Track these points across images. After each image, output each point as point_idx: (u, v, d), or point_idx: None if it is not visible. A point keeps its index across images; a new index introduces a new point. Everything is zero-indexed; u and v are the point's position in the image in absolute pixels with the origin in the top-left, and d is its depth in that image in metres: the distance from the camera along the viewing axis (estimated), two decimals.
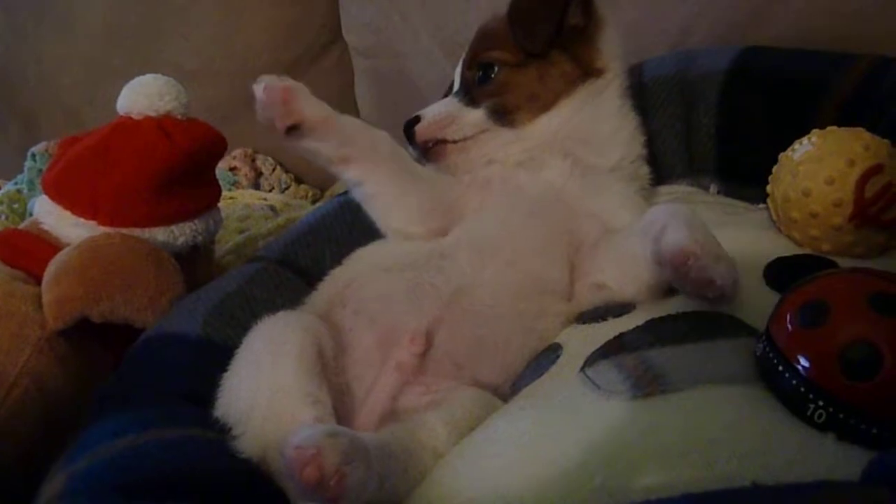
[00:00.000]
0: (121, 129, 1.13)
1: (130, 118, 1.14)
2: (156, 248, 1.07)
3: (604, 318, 0.86)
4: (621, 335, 0.76)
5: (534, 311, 0.93)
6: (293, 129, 0.94)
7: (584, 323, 0.88)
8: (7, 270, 1.06)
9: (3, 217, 1.81)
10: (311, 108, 0.94)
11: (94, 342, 1.06)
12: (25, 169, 1.87)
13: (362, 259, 1.02)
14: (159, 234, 1.12)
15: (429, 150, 1.09)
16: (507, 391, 0.87)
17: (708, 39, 1.32)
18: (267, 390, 0.81)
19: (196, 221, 1.17)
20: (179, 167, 1.12)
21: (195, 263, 1.19)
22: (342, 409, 0.85)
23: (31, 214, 1.19)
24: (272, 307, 0.97)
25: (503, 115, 1.08)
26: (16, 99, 2.07)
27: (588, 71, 1.08)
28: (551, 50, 1.06)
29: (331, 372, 0.86)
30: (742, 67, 1.13)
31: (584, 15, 1.07)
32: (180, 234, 1.14)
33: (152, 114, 1.14)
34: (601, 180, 1.04)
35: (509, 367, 0.90)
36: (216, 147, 1.20)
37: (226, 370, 0.87)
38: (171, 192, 1.12)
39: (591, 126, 1.07)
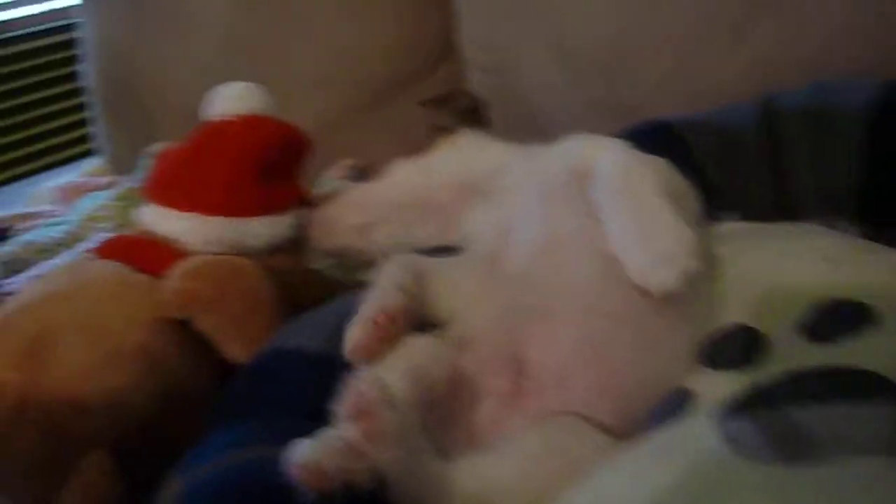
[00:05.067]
0: (210, 128, 1.17)
1: (220, 120, 1.18)
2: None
3: (737, 365, 0.77)
4: (760, 387, 0.67)
5: (627, 305, 0.83)
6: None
7: (715, 368, 0.79)
8: (117, 265, 1.08)
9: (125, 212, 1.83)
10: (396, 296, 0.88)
11: None
12: (141, 167, 1.84)
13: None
14: (256, 224, 1.14)
15: None
16: (625, 432, 0.79)
17: (843, 73, 1.22)
18: None
19: (291, 214, 1.18)
20: (273, 155, 1.15)
21: (292, 259, 1.20)
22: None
23: None
24: None
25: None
26: (135, 99, 2.08)
27: None
28: None
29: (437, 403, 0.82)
30: (888, 102, 1.03)
31: None
32: (277, 226, 1.16)
33: (241, 113, 1.18)
34: None
35: (623, 384, 0.82)
36: (303, 141, 1.22)
37: None
38: (268, 182, 1.14)
39: None
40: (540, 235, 0.93)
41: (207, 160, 1.14)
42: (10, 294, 1.56)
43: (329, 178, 1.76)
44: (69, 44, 2.34)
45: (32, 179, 2.67)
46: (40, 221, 2.02)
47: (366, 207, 1.16)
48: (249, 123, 1.16)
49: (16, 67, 2.80)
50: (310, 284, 1.19)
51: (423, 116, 1.79)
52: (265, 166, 1.14)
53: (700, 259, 0.79)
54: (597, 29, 1.47)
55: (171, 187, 1.15)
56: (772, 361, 0.74)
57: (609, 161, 0.90)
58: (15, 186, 2.72)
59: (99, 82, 2.13)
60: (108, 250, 1.10)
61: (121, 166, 2.13)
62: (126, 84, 2.08)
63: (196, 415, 1.02)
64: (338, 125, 1.79)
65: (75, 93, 2.38)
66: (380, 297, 0.87)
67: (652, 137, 1.16)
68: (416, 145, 1.20)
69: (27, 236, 1.85)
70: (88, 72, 2.14)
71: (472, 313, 0.92)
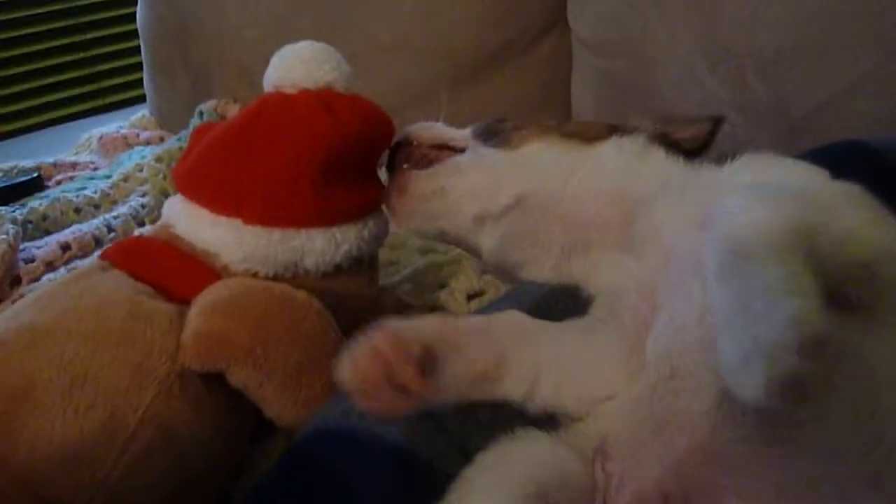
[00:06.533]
0: (272, 105, 0.85)
1: (282, 92, 0.86)
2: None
3: None
4: None
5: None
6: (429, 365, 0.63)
7: None
8: (131, 284, 0.77)
9: (161, 176, 1.59)
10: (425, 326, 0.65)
11: None
12: (191, 126, 1.64)
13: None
14: (318, 238, 0.83)
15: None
16: None
17: None
18: None
19: (360, 225, 0.87)
20: (346, 150, 0.83)
21: (358, 281, 0.89)
22: None
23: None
24: (498, 411, 0.65)
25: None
26: (190, 50, 1.82)
27: None
28: None
29: None
30: None
31: None
32: (343, 239, 0.84)
33: (310, 86, 0.86)
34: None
35: None
36: (384, 130, 0.90)
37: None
38: (334, 182, 0.83)
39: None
40: (693, 319, 0.62)
41: (260, 146, 0.82)
42: (31, 261, 1.33)
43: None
44: None
45: (84, 122, 2.43)
46: (79, 173, 1.81)
47: (491, 187, 0.81)
48: (323, 101, 0.84)
49: (78, 3, 2.55)
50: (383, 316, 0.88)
51: (518, 94, 1.54)
52: (337, 161, 0.82)
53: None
54: (767, 27, 1.16)
55: (207, 178, 0.83)
56: None
57: (732, 204, 0.57)
58: (63, 128, 2.51)
59: (150, 25, 1.88)
60: (122, 258, 0.79)
61: (168, 120, 1.91)
62: (180, 30, 1.82)
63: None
64: (418, 98, 1.49)
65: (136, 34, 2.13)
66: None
67: (851, 164, 0.84)
68: None
69: (60, 191, 1.63)
70: (142, 13, 1.89)
71: (611, 416, 0.64)
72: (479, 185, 0.82)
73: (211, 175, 0.83)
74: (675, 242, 0.68)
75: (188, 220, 0.82)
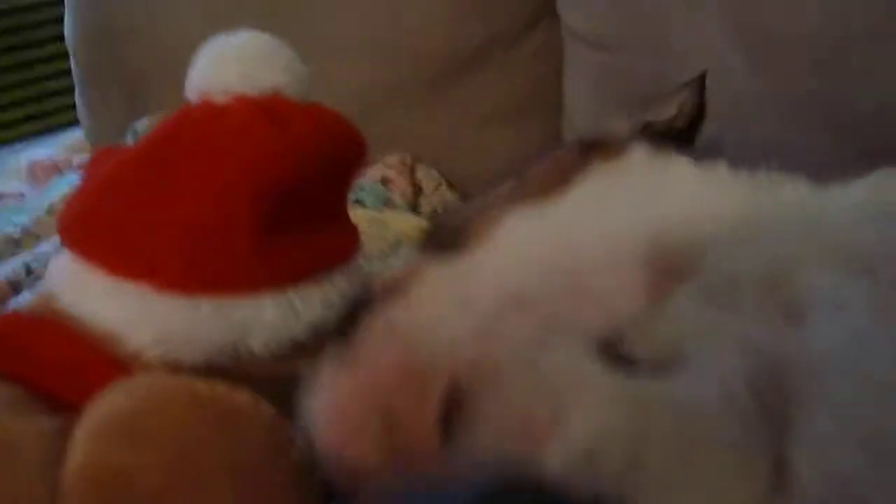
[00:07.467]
0: (195, 120, 0.62)
1: (209, 102, 0.62)
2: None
3: None
4: None
5: None
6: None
7: None
8: None
9: None
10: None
11: None
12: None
13: None
14: (268, 306, 0.58)
15: None
16: None
17: None
18: None
19: (326, 284, 0.61)
20: (301, 178, 0.60)
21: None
22: None
23: None
24: None
25: None
26: (121, 59, 1.63)
27: None
28: None
29: None
30: None
31: None
32: (304, 307, 0.59)
33: (248, 91, 0.62)
34: None
35: None
36: (355, 150, 0.67)
37: None
38: (286, 225, 0.59)
39: None
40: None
41: (179, 179, 0.58)
42: None
43: (369, 183, 1.28)
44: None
45: (23, 146, 2.20)
46: (3, 204, 1.66)
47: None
48: (266, 112, 0.60)
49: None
50: None
51: (502, 96, 1.36)
52: (289, 194, 0.58)
53: None
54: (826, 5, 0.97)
55: (104, 228, 0.59)
56: None
57: None
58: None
59: (80, 38, 1.71)
60: None
61: (103, 141, 1.70)
62: (110, 37, 1.67)
63: None
64: (381, 108, 1.34)
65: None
66: None
67: None
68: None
69: None
70: (69, 21, 1.73)
71: None
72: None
73: (108, 222, 0.58)
74: (820, 294, 0.46)
75: (76, 287, 0.57)
